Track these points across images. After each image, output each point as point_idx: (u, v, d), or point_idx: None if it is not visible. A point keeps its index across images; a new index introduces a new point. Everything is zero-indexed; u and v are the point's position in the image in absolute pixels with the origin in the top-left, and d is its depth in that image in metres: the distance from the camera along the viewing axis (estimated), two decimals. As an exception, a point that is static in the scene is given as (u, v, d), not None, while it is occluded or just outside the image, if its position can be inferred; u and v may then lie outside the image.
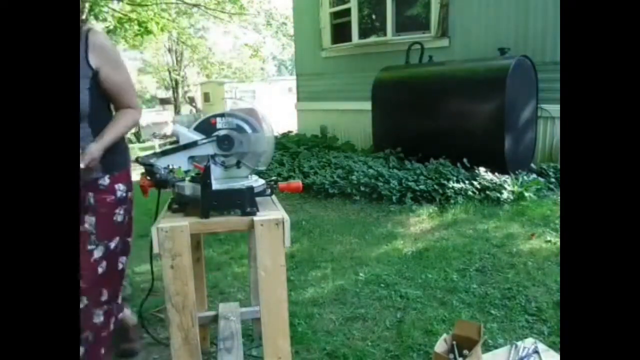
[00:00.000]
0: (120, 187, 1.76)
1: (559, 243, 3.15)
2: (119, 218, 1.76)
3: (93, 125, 1.67)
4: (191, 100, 23.85)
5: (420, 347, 2.05)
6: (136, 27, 10.24)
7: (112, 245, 1.75)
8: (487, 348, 1.96)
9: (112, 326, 1.81)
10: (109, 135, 1.67)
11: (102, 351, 1.79)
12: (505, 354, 1.87)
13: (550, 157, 5.25)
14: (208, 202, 1.41)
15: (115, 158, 1.75)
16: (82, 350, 1.73)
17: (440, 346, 1.73)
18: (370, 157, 5.65)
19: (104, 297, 1.76)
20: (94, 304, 1.74)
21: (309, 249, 3.43)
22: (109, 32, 10.72)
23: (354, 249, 3.38)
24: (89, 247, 1.70)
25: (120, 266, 1.81)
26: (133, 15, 10.36)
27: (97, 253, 1.72)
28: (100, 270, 1.73)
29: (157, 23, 10.42)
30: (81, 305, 1.71)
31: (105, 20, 9.78)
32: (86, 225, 1.70)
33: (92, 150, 1.60)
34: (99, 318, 1.76)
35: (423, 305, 2.46)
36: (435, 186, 4.45)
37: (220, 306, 2.08)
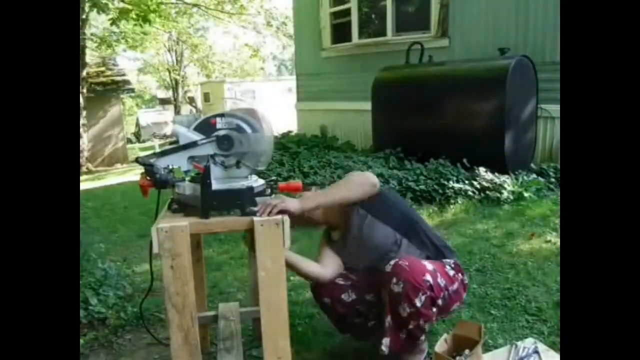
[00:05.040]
0: None
1: (559, 243, 3.15)
2: None
3: None
4: (191, 100, 23.90)
5: (420, 347, 2.04)
6: (134, 17, 10.04)
7: None
8: (487, 348, 1.96)
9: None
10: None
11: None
12: (505, 354, 1.87)
13: (550, 157, 5.25)
14: (208, 202, 1.41)
15: None
16: None
17: (440, 346, 1.73)
18: (370, 157, 5.64)
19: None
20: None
21: (309, 249, 3.43)
22: (111, 24, 10.66)
23: (354, 249, 3.38)
24: None
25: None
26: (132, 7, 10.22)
27: None
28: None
29: (157, 13, 10.27)
30: None
31: (106, 12, 9.70)
32: None
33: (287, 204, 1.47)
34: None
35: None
36: (435, 186, 4.44)
37: (220, 306, 2.08)
